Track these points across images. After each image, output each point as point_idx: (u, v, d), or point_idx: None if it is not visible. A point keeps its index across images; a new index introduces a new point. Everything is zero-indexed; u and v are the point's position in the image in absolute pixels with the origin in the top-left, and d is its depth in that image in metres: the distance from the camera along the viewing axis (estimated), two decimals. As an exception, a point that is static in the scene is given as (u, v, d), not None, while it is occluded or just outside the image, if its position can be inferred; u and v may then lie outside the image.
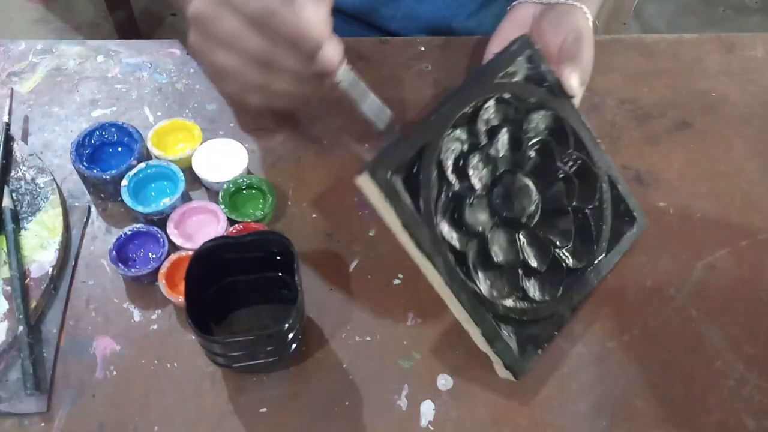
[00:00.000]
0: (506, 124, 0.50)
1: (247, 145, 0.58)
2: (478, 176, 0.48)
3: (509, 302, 0.48)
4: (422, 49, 0.70)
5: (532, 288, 0.49)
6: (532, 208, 0.50)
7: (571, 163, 0.52)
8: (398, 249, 0.56)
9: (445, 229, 0.46)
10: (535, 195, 0.50)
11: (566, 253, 0.50)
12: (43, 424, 0.47)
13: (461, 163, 0.47)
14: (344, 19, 0.75)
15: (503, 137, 0.49)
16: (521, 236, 0.49)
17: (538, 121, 0.52)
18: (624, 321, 0.53)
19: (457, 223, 0.46)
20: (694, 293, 0.55)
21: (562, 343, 0.52)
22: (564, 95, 0.53)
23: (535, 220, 0.50)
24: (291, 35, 0.38)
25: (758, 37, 0.73)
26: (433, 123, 0.46)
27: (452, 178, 0.47)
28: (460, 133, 0.47)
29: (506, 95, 0.50)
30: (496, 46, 0.62)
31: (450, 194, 0.46)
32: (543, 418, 0.48)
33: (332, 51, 0.40)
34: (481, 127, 0.49)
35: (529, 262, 0.49)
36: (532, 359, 0.48)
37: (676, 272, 0.56)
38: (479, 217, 0.47)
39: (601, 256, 0.52)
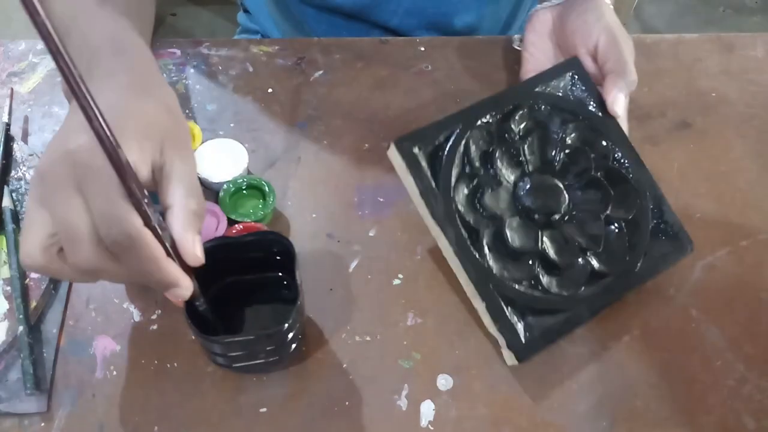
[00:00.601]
0: (539, 129, 0.51)
1: (247, 145, 0.58)
2: (504, 170, 0.50)
3: (520, 287, 0.48)
4: (422, 49, 0.70)
5: (548, 280, 0.49)
6: (562, 209, 0.50)
7: (607, 174, 0.52)
8: (398, 249, 0.56)
9: (462, 206, 0.48)
10: (564, 197, 0.50)
11: (594, 257, 0.50)
12: (43, 424, 0.47)
13: (489, 154, 0.50)
14: (343, 17, 0.75)
15: (534, 140, 0.51)
16: (545, 232, 0.49)
17: (574, 131, 0.53)
18: (624, 321, 0.53)
19: (475, 205, 0.48)
20: (694, 293, 0.55)
21: (562, 342, 0.52)
22: (607, 115, 0.54)
23: (564, 221, 0.50)
24: (144, 267, 0.35)
25: (758, 37, 0.73)
26: (466, 113, 0.50)
27: (477, 164, 0.49)
28: (493, 128, 0.50)
29: (541, 104, 0.52)
30: (525, 59, 0.62)
31: (472, 177, 0.49)
32: (543, 418, 0.48)
33: (185, 287, 0.38)
34: (515, 128, 0.51)
35: (549, 255, 0.49)
36: (540, 348, 0.48)
37: (676, 272, 0.55)
38: (500, 203, 0.49)
39: (633, 269, 0.51)
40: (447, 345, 0.51)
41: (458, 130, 0.49)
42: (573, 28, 0.58)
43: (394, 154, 0.49)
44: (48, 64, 0.66)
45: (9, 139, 0.58)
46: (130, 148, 0.35)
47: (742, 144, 0.64)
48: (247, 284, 0.51)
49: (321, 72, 0.67)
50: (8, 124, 0.59)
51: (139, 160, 0.36)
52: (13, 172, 0.57)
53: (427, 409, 0.48)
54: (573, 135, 0.53)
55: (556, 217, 0.50)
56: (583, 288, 0.49)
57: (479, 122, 0.50)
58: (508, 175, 0.50)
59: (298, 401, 0.48)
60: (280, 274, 0.50)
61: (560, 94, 0.54)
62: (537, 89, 0.53)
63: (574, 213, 0.51)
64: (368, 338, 0.51)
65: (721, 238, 0.58)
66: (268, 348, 0.46)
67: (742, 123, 0.66)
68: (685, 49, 0.71)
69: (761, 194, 0.61)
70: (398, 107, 0.65)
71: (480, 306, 0.48)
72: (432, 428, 0.48)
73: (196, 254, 0.38)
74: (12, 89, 0.63)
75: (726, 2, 2.00)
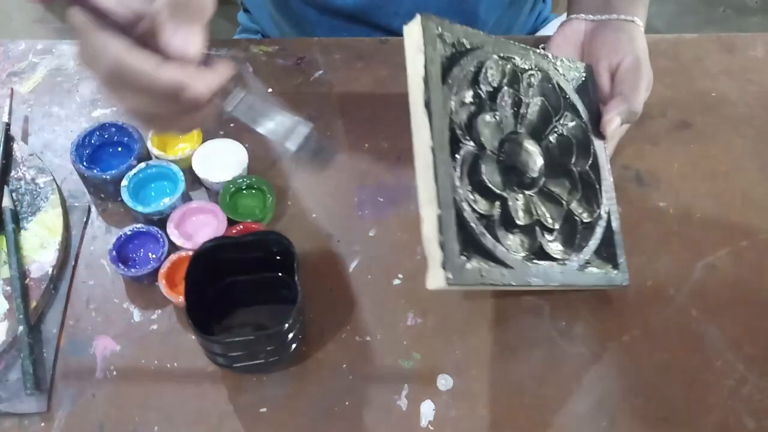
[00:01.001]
0: (544, 101, 0.52)
1: (247, 145, 0.58)
2: (506, 109, 0.50)
3: (479, 218, 0.46)
4: (422, 49, 0.70)
5: (504, 233, 0.47)
6: (535, 175, 0.50)
7: (581, 175, 0.52)
8: (398, 249, 0.56)
9: (456, 113, 0.47)
10: (541, 167, 0.50)
11: (547, 236, 0.50)
12: (43, 424, 0.47)
13: (497, 89, 0.50)
14: (345, 19, 0.75)
15: (537, 107, 0.52)
16: (515, 189, 0.49)
17: (571, 121, 0.53)
18: (624, 321, 0.53)
19: (469, 122, 0.48)
20: (694, 293, 0.55)
21: (562, 343, 0.52)
22: (598, 131, 0.55)
23: (533, 188, 0.50)
24: (144, 86, 0.37)
25: (758, 37, 0.73)
26: (496, 39, 0.51)
27: (483, 92, 0.49)
28: (508, 68, 0.51)
29: (554, 80, 0.53)
30: None
31: (477, 95, 0.49)
32: (543, 418, 0.48)
33: (196, 87, 0.38)
34: (525, 82, 0.52)
35: (511, 209, 0.47)
36: (470, 282, 0.44)
37: (676, 272, 0.56)
38: (487, 135, 0.48)
39: (573, 265, 0.50)
40: (447, 345, 0.51)
41: (481, 49, 0.49)
42: (602, 41, 0.59)
43: (413, 29, 0.47)
44: (48, 63, 0.66)
45: (9, 139, 0.58)
46: None
47: (742, 144, 0.64)
48: (247, 284, 0.51)
49: (321, 72, 0.67)
50: (8, 124, 0.59)
51: None
52: (13, 172, 0.57)
53: (427, 409, 0.48)
54: (569, 125, 0.53)
55: (527, 180, 0.50)
56: (528, 257, 0.48)
57: (501, 55, 0.51)
58: (506, 117, 0.50)
59: (298, 401, 0.48)
60: (280, 274, 0.50)
61: (572, 88, 0.55)
62: (554, 67, 0.54)
63: (543, 188, 0.50)
64: (368, 338, 0.51)
65: (721, 238, 0.58)
66: (268, 348, 0.46)
67: (742, 123, 0.65)
68: (685, 49, 0.71)
69: (761, 194, 0.61)
70: (398, 107, 0.65)
71: (431, 214, 0.44)
72: (432, 428, 0.48)
73: (175, 42, 0.38)
74: (12, 89, 0.63)
75: (726, 2, 2.00)
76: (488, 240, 0.46)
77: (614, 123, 0.54)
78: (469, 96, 0.48)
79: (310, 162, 0.43)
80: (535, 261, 0.48)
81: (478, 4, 0.74)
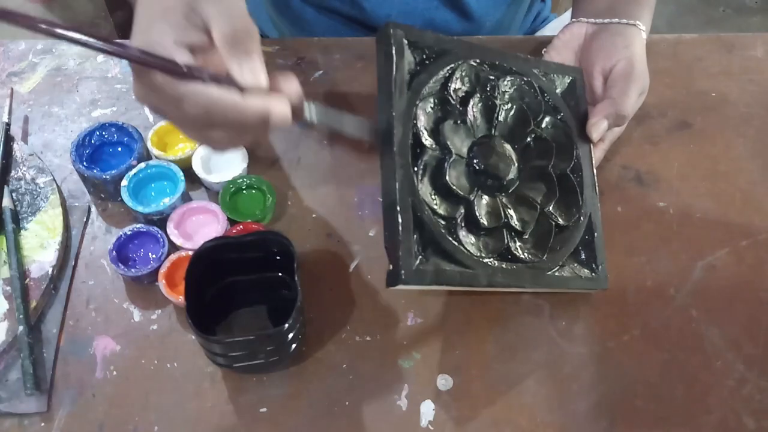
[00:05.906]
0: (519, 104, 0.52)
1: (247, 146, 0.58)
2: (476, 114, 0.50)
3: (438, 220, 0.46)
4: (422, 49, 0.70)
5: (465, 234, 0.47)
6: (506, 180, 0.50)
7: (560, 178, 0.52)
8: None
9: (422, 118, 0.48)
10: (514, 170, 0.50)
11: (517, 239, 0.50)
12: (43, 424, 0.47)
13: (468, 94, 0.50)
14: (342, 22, 0.75)
15: (512, 111, 0.52)
16: (482, 193, 0.49)
17: (550, 124, 0.53)
18: (624, 321, 0.53)
19: (434, 128, 0.48)
20: (694, 293, 0.55)
21: (562, 342, 0.52)
22: (584, 132, 0.55)
23: (504, 192, 0.50)
24: (234, 124, 0.39)
25: (758, 37, 0.73)
26: (467, 45, 0.51)
27: (454, 94, 0.49)
28: (482, 74, 0.51)
29: (536, 83, 0.53)
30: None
31: (444, 102, 0.49)
32: (543, 418, 0.48)
33: (279, 111, 0.40)
34: (500, 88, 0.52)
35: (477, 212, 0.48)
36: (425, 282, 0.45)
37: (676, 272, 0.56)
38: (455, 140, 0.48)
39: (546, 270, 0.50)
40: (447, 345, 0.51)
41: (452, 54, 0.49)
42: (599, 46, 0.59)
43: (382, 36, 0.48)
44: (48, 63, 0.66)
45: (9, 139, 0.58)
46: (162, 33, 0.38)
47: (742, 144, 0.64)
48: (247, 284, 0.51)
49: (321, 72, 0.67)
50: (8, 124, 0.59)
51: (176, 36, 0.39)
52: (13, 172, 0.57)
53: (427, 409, 0.48)
54: (548, 128, 0.53)
55: (498, 184, 0.49)
56: (492, 259, 0.48)
57: (473, 61, 0.51)
58: (476, 122, 0.50)
59: (298, 401, 0.48)
60: (280, 274, 0.50)
61: (557, 91, 0.55)
62: (535, 70, 0.54)
63: (516, 191, 0.50)
64: (368, 338, 0.51)
65: (721, 238, 0.58)
66: (268, 348, 0.46)
67: (742, 123, 0.66)
68: (685, 49, 0.71)
69: (761, 194, 0.61)
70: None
71: (389, 215, 0.46)
72: (432, 428, 0.48)
73: (246, 77, 0.39)
74: (12, 89, 0.63)
75: (726, 2, 2.00)
76: (448, 242, 0.46)
77: (601, 126, 0.54)
78: (436, 101, 0.49)
79: (374, 140, 0.47)
80: (500, 263, 0.48)
81: (472, 6, 0.74)
